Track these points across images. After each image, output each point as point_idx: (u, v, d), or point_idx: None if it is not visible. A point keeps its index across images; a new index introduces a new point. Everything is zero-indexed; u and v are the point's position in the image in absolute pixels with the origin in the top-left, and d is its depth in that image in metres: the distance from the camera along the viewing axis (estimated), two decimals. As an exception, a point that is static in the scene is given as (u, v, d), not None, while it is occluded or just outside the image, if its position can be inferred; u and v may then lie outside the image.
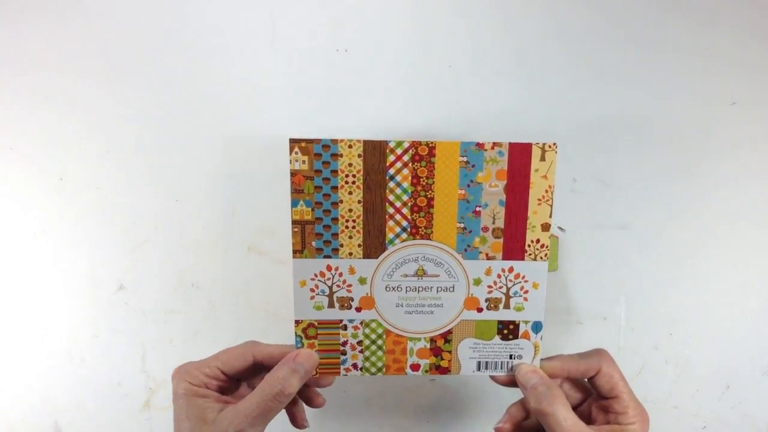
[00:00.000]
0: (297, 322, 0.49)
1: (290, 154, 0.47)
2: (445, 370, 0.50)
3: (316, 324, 0.49)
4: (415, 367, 0.50)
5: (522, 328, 0.49)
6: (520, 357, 0.50)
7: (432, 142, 0.47)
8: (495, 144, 0.47)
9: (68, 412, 0.64)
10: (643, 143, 0.66)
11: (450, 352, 0.50)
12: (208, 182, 0.65)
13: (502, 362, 0.50)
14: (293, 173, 0.47)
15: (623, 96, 0.67)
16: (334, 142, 0.47)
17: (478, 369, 0.50)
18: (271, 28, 0.66)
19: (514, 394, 0.64)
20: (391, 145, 0.47)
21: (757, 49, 0.67)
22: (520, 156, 0.48)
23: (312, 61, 0.66)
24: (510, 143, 0.47)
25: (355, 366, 0.49)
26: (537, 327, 0.49)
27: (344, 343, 0.49)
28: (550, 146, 0.48)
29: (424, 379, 0.65)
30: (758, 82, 0.67)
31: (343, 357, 0.49)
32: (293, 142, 0.47)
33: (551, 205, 0.48)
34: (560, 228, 0.66)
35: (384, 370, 0.49)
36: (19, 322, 0.64)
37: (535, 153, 0.48)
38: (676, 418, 0.65)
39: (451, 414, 0.65)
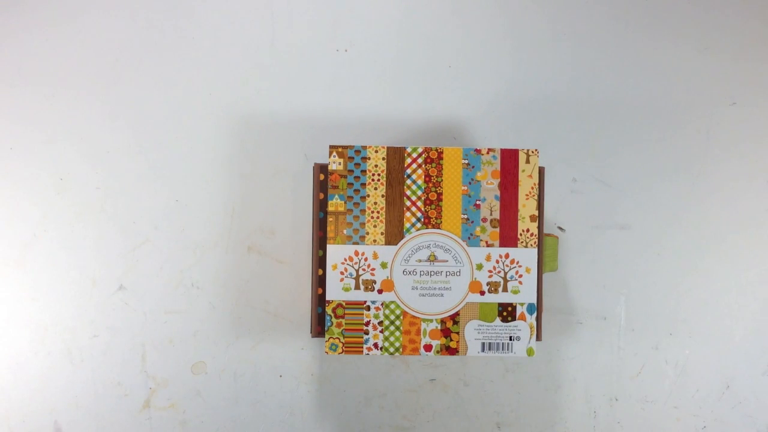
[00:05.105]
0: (328, 302, 0.55)
1: (329, 157, 0.55)
2: (454, 351, 0.55)
3: (344, 304, 0.55)
4: (428, 348, 0.55)
5: (519, 310, 0.55)
6: (518, 338, 0.55)
7: (440, 148, 0.55)
8: (489, 149, 0.55)
9: (68, 412, 0.64)
10: (643, 143, 0.66)
11: (458, 333, 0.55)
12: (208, 182, 0.65)
13: (503, 343, 0.55)
14: (331, 173, 0.55)
15: (624, 96, 0.67)
16: (364, 147, 0.55)
17: (483, 350, 0.55)
18: (271, 28, 0.67)
19: (514, 395, 0.65)
20: (408, 150, 0.55)
21: (757, 49, 0.67)
22: (509, 159, 0.56)
23: (312, 61, 0.66)
24: (501, 149, 0.56)
25: (376, 345, 0.55)
26: (531, 309, 0.55)
27: (367, 323, 0.55)
28: (533, 152, 0.56)
29: (424, 379, 0.65)
30: (758, 82, 0.67)
31: (365, 336, 0.55)
32: (332, 147, 0.55)
33: (537, 200, 0.56)
34: (560, 228, 0.66)
35: (401, 350, 0.55)
36: (19, 322, 0.64)
37: (521, 157, 0.56)
38: (676, 418, 0.65)
39: (451, 414, 0.65)
